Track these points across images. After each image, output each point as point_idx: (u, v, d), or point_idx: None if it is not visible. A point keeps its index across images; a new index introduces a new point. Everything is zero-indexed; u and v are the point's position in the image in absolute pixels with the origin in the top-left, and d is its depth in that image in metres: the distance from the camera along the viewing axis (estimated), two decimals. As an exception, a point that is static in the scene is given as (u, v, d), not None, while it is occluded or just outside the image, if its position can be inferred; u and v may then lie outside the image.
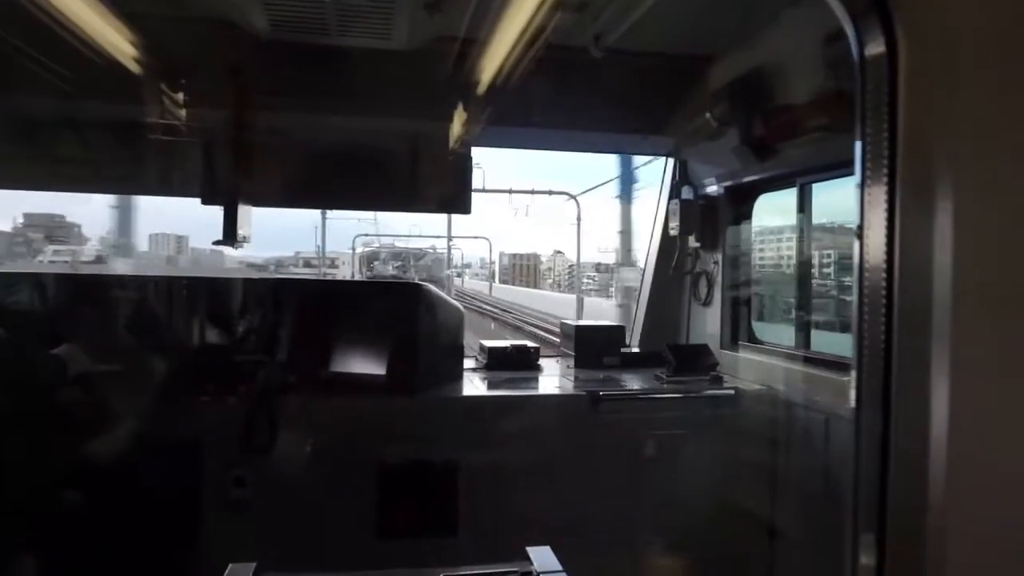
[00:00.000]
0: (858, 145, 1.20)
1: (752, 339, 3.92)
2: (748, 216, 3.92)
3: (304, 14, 2.79)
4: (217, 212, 3.23)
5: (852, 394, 1.23)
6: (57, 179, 3.48)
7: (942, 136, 1.09)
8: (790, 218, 3.55)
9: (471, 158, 3.57)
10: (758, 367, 3.68)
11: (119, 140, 3.48)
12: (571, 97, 3.48)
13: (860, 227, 1.19)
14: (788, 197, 3.52)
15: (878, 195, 1.16)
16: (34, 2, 2.50)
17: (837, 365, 3.17)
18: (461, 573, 1.54)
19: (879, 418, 1.16)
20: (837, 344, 3.47)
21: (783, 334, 3.69)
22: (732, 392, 3.52)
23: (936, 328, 1.07)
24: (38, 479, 2.65)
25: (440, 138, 3.54)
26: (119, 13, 2.76)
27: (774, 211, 3.85)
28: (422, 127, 3.54)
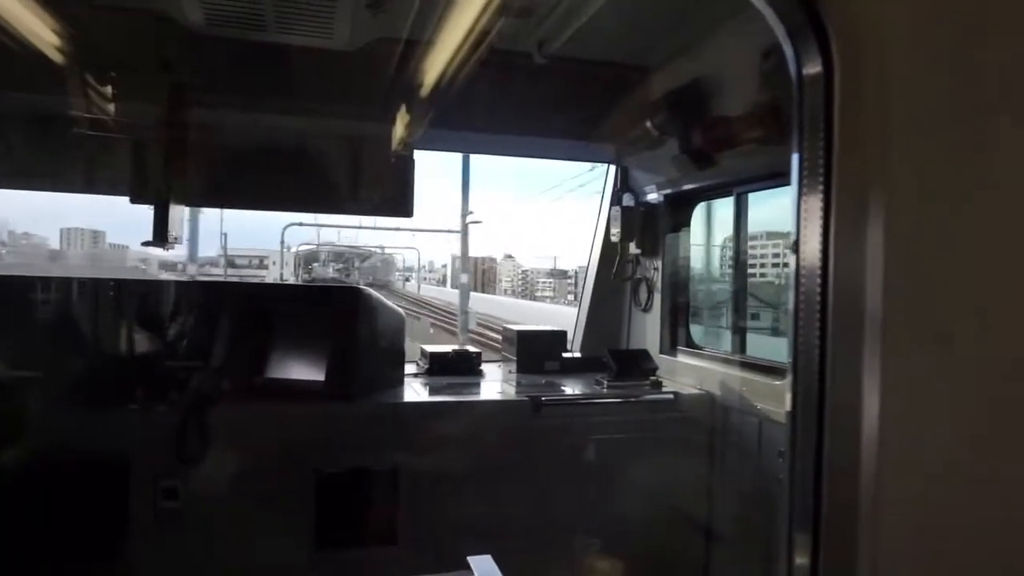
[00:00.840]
0: (795, 157, 1.24)
1: (690, 344, 4.00)
2: (687, 224, 4.01)
3: (241, 9, 2.71)
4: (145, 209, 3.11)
5: (787, 398, 1.26)
6: None
7: (874, 150, 1.14)
8: (727, 226, 3.65)
9: (413, 161, 3.54)
10: (696, 371, 3.76)
11: (41, 134, 3.31)
12: (515, 102, 3.49)
13: (797, 236, 1.23)
14: (725, 206, 3.62)
15: (814, 206, 1.20)
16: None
17: (770, 370, 3.26)
18: None
19: (813, 421, 1.19)
20: (770, 349, 3.57)
21: (720, 339, 3.78)
22: (671, 396, 3.58)
23: (868, 334, 1.11)
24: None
25: (382, 140, 3.50)
26: None
27: (712, 219, 3.94)
28: (363, 128, 3.49)
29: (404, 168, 3.52)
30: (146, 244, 3.04)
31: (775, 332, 4.04)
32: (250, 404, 3.02)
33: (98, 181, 3.53)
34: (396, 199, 3.53)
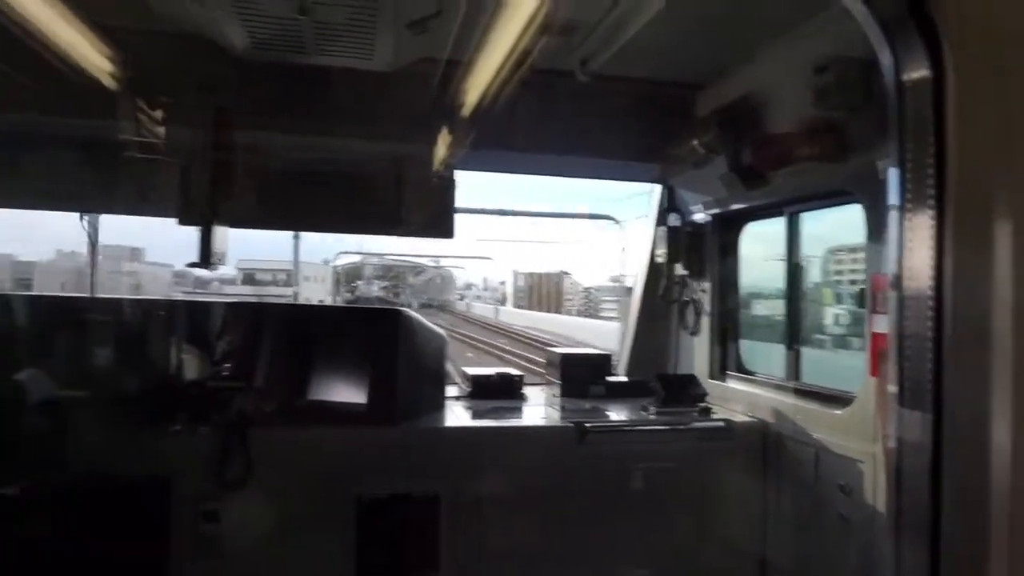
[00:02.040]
0: (895, 171, 1.14)
1: (741, 369, 3.85)
2: (736, 244, 3.88)
3: (283, 32, 2.72)
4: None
5: (848, 428, 1.16)
6: (24, 197, 3.38)
7: (998, 158, 1.03)
8: (779, 247, 3.51)
9: (454, 181, 3.51)
10: (747, 398, 3.60)
11: (94, 158, 3.39)
12: (557, 121, 3.44)
13: (899, 256, 1.12)
14: (777, 225, 3.48)
15: (921, 223, 1.09)
16: (6, 15, 2.41)
17: (829, 397, 3.10)
18: None
19: (927, 451, 1.08)
20: (828, 376, 3.41)
21: (773, 365, 3.62)
22: (722, 424, 3.43)
23: (996, 359, 1.00)
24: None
25: (423, 161, 3.48)
26: (95, 27, 2.69)
27: (762, 239, 3.80)
28: (405, 149, 3.48)
29: (445, 189, 3.50)
30: (192, 265, 3.07)
31: (835, 359, 3.86)
32: (292, 427, 3.00)
33: (147, 204, 3.60)
34: (437, 220, 3.50)
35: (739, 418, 3.50)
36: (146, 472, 2.79)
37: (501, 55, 2.75)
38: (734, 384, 3.80)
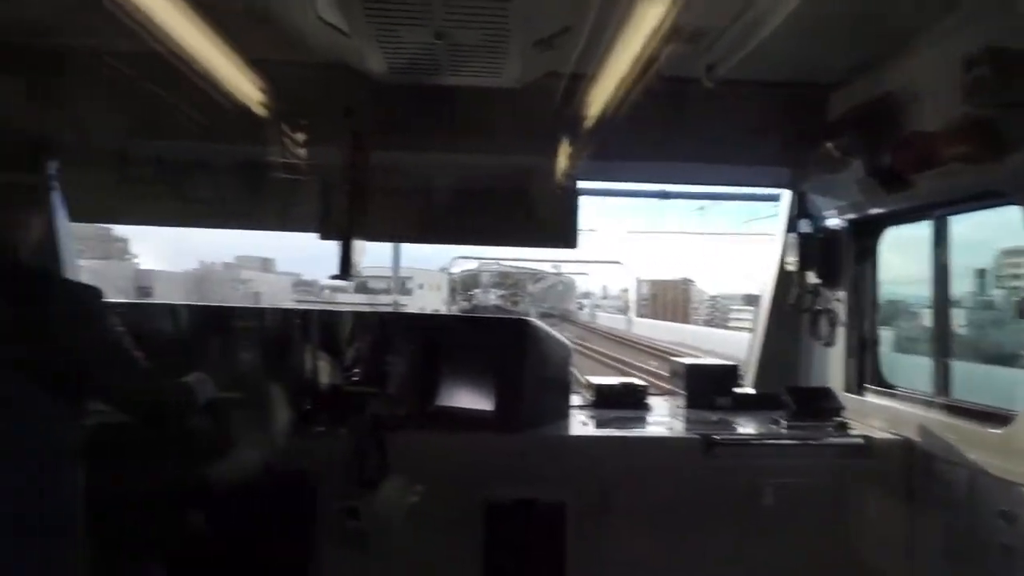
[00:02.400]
0: None
1: (880, 382, 3.63)
2: (874, 250, 3.67)
3: (419, 56, 2.87)
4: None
5: (1010, 448, 1.07)
6: (189, 216, 3.73)
7: None
8: (923, 253, 3.29)
9: (578, 193, 3.55)
10: (888, 413, 3.39)
11: (244, 179, 3.69)
12: (683, 129, 3.40)
13: None
14: (921, 230, 3.27)
15: None
16: (176, 54, 2.69)
17: (983, 415, 2.87)
18: None
19: None
20: (981, 391, 3.15)
21: (917, 378, 3.39)
22: (860, 441, 3.25)
23: None
24: (165, 501, 2.76)
25: (547, 173, 3.54)
26: (248, 60, 2.94)
27: (904, 245, 3.58)
28: (530, 163, 3.55)
29: (569, 200, 3.54)
30: (333, 277, 3.27)
31: (991, 374, 3.57)
32: (422, 432, 3.12)
33: (291, 220, 3.89)
34: (561, 231, 3.55)
35: (879, 435, 3.31)
36: (294, 469, 2.98)
37: (626, 65, 2.76)
38: (873, 398, 3.59)
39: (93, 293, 2.38)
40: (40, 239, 2.46)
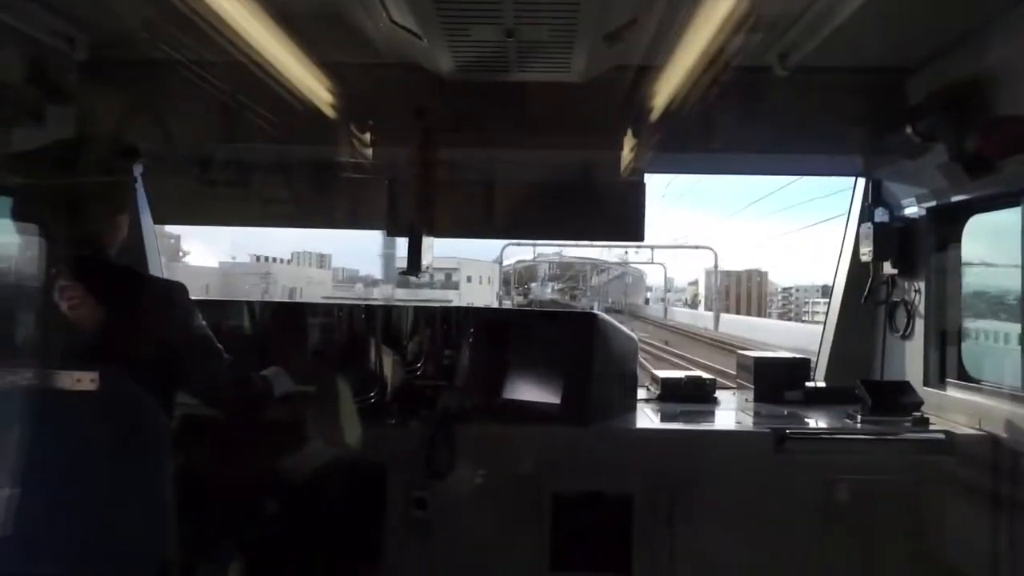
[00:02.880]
0: None
1: (963, 376, 3.49)
2: (957, 239, 3.52)
3: (487, 54, 2.89)
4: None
5: None
6: (265, 217, 3.87)
7: None
8: (1011, 241, 3.14)
9: (644, 185, 3.53)
10: (972, 408, 3.26)
11: (316, 179, 3.81)
12: (754, 118, 3.33)
13: None
14: (1009, 217, 3.11)
15: None
16: (253, 61, 2.80)
17: None
18: None
19: None
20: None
21: (1005, 372, 3.24)
22: (941, 436, 3.14)
23: None
24: (244, 489, 2.89)
25: (613, 167, 3.53)
26: (320, 63, 3.03)
27: (990, 233, 3.42)
28: (596, 156, 3.55)
29: (635, 193, 3.52)
30: (403, 273, 3.35)
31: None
32: (490, 424, 3.17)
33: (360, 218, 3.99)
34: (627, 224, 3.53)
35: (962, 430, 3.19)
36: (365, 460, 3.07)
37: (695, 56, 2.73)
38: (955, 392, 3.45)
39: (179, 289, 2.51)
40: (128, 239, 2.61)
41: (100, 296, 2.30)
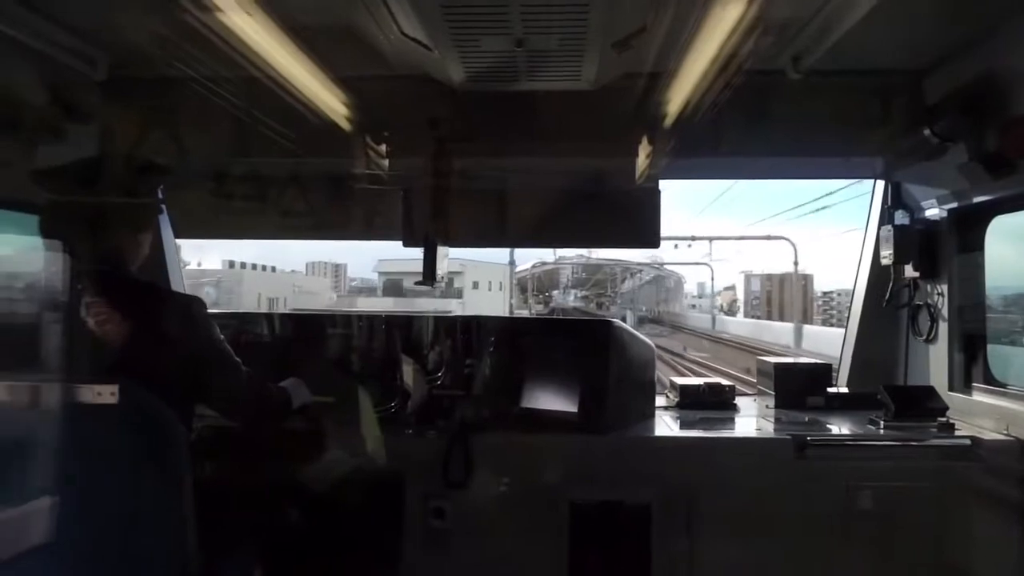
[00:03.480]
0: None
1: (989, 380, 3.42)
2: (980, 241, 3.45)
3: (497, 64, 2.91)
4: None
5: None
6: (282, 229, 3.92)
7: None
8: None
9: (659, 192, 3.51)
10: (999, 413, 3.20)
11: (331, 192, 3.85)
12: (768, 122, 3.31)
13: None
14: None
15: None
16: (268, 76, 2.84)
17: None
18: None
19: None
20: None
21: (1032, 376, 3.18)
22: (967, 442, 3.08)
23: None
24: (263, 497, 2.91)
25: (627, 174, 3.52)
26: (333, 77, 3.07)
27: (1015, 234, 3.36)
28: (609, 163, 3.54)
29: (650, 199, 3.51)
30: (418, 283, 3.37)
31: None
32: (508, 433, 3.17)
33: (375, 229, 4.02)
34: (643, 230, 3.53)
35: (989, 435, 3.12)
36: (383, 470, 3.08)
37: (706, 61, 2.72)
38: (981, 397, 3.38)
39: (199, 304, 2.55)
40: (149, 255, 2.65)
41: (123, 311, 2.35)
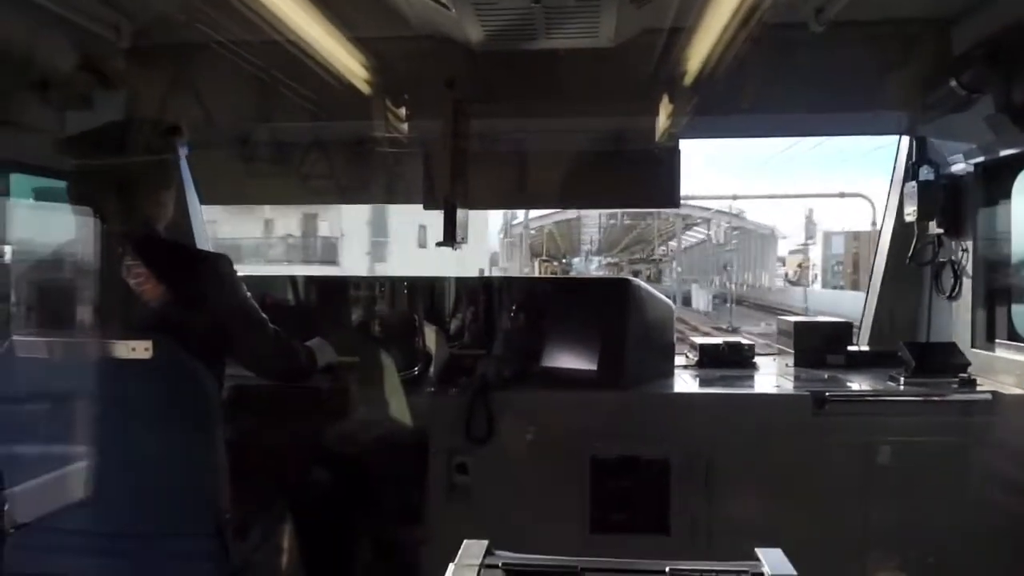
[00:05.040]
0: None
1: (1013, 336, 3.39)
2: (1007, 195, 3.40)
3: (515, 21, 2.90)
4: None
5: None
6: (304, 194, 3.97)
7: None
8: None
9: (679, 151, 3.50)
10: (1022, 369, 3.18)
11: (352, 155, 3.88)
12: (791, 78, 3.26)
13: None
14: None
15: None
16: (288, 40, 2.86)
17: None
18: (689, 567, 1.49)
19: None
20: None
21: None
22: (988, 397, 3.07)
23: None
24: (291, 455, 3.01)
25: (646, 133, 3.50)
26: (352, 38, 3.08)
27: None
28: (628, 123, 3.52)
29: (670, 159, 3.50)
30: (439, 244, 3.41)
31: None
32: (528, 391, 3.22)
33: (396, 192, 4.06)
34: (662, 190, 3.52)
35: (1010, 390, 3.11)
36: (408, 428, 3.16)
37: (726, 15, 2.69)
38: (1004, 353, 3.37)
39: (226, 261, 2.62)
40: (175, 216, 2.72)
41: (155, 271, 2.43)
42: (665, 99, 3.35)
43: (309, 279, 3.90)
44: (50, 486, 2.34)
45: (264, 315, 2.62)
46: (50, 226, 2.91)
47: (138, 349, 2.21)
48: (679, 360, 3.76)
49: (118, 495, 2.32)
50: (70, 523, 2.32)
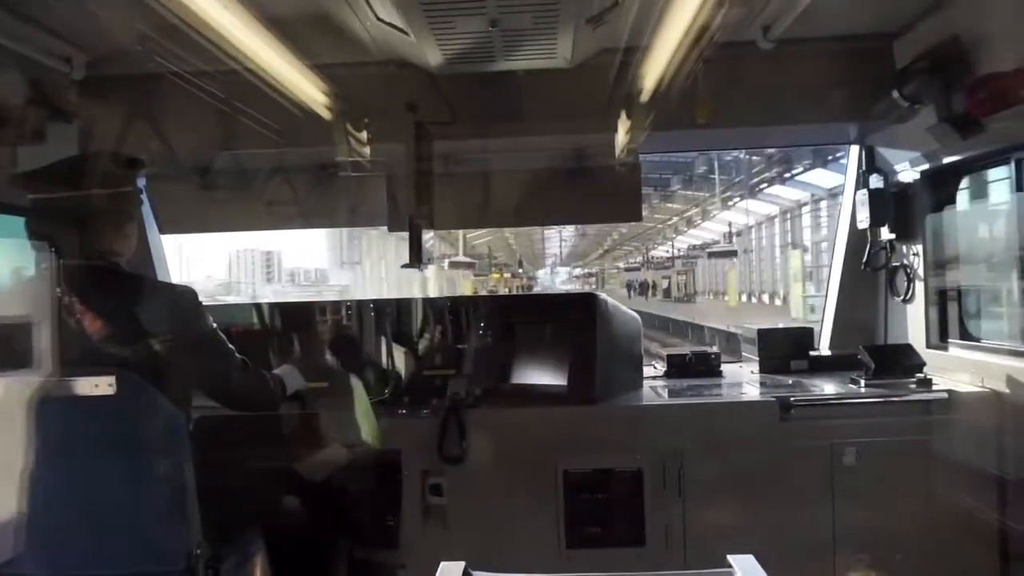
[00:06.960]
0: None
1: (964, 336, 3.52)
2: (952, 201, 3.54)
3: (474, 45, 2.94)
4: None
5: None
6: (268, 219, 3.95)
7: None
8: (1006, 198, 3.17)
9: (639, 166, 3.57)
10: (973, 367, 3.30)
11: (315, 180, 3.88)
12: (742, 93, 3.36)
13: None
14: (1001, 175, 3.14)
15: None
16: (247, 68, 2.86)
17: None
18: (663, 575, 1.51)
19: None
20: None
21: (1004, 330, 3.28)
22: (944, 395, 3.18)
23: None
24: (262, 482, 2.97)
25: (607, 149, 3.57)
26: (313, 65, 3.09)
27: (984, 193, 3.44)
28: (589, 140, 3.59)
29: (631, 174, 3.57)
30: (405, 266, 3.41)
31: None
32: (500, 408, 3.24)
33: (359, 215, 4.05)
34: (625, 204, 3.58)
35: (965, 388, 3.23)
36: (379, 450, 3.14)
37: (679, 34, 2.76)
38: (957, 352, 3.49)
39: (190, 293, 2.59)
40: (136, 248, 2.69)
41: (116, 304, 2.39)
42: (623, 116, 3.42)
43: (274, 305, 3.87)
44: (14, 528, 2.27)
45: (231, 346, 2.60)
46: (8, 262, 2.85)
47: (101, 385, 2.17)
48: (648, 372, 3.81)
49: (86, 534, 2.27)
50: (36, 566, 2.26)
